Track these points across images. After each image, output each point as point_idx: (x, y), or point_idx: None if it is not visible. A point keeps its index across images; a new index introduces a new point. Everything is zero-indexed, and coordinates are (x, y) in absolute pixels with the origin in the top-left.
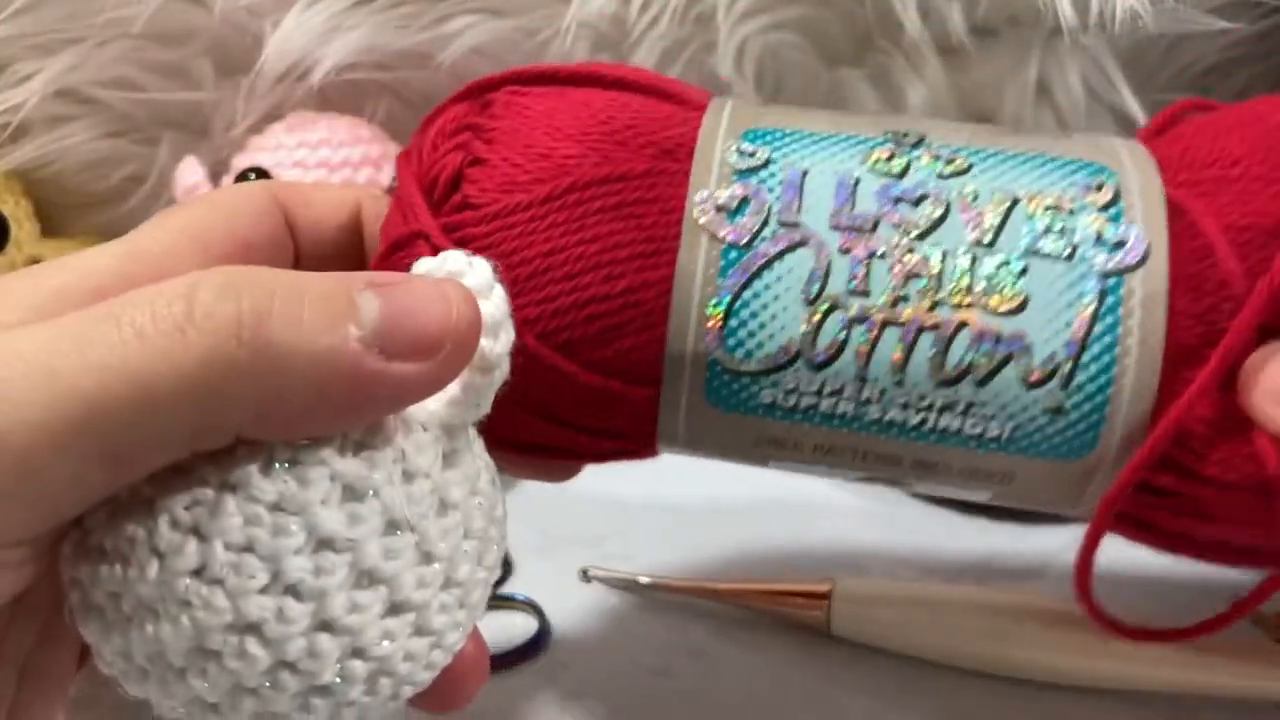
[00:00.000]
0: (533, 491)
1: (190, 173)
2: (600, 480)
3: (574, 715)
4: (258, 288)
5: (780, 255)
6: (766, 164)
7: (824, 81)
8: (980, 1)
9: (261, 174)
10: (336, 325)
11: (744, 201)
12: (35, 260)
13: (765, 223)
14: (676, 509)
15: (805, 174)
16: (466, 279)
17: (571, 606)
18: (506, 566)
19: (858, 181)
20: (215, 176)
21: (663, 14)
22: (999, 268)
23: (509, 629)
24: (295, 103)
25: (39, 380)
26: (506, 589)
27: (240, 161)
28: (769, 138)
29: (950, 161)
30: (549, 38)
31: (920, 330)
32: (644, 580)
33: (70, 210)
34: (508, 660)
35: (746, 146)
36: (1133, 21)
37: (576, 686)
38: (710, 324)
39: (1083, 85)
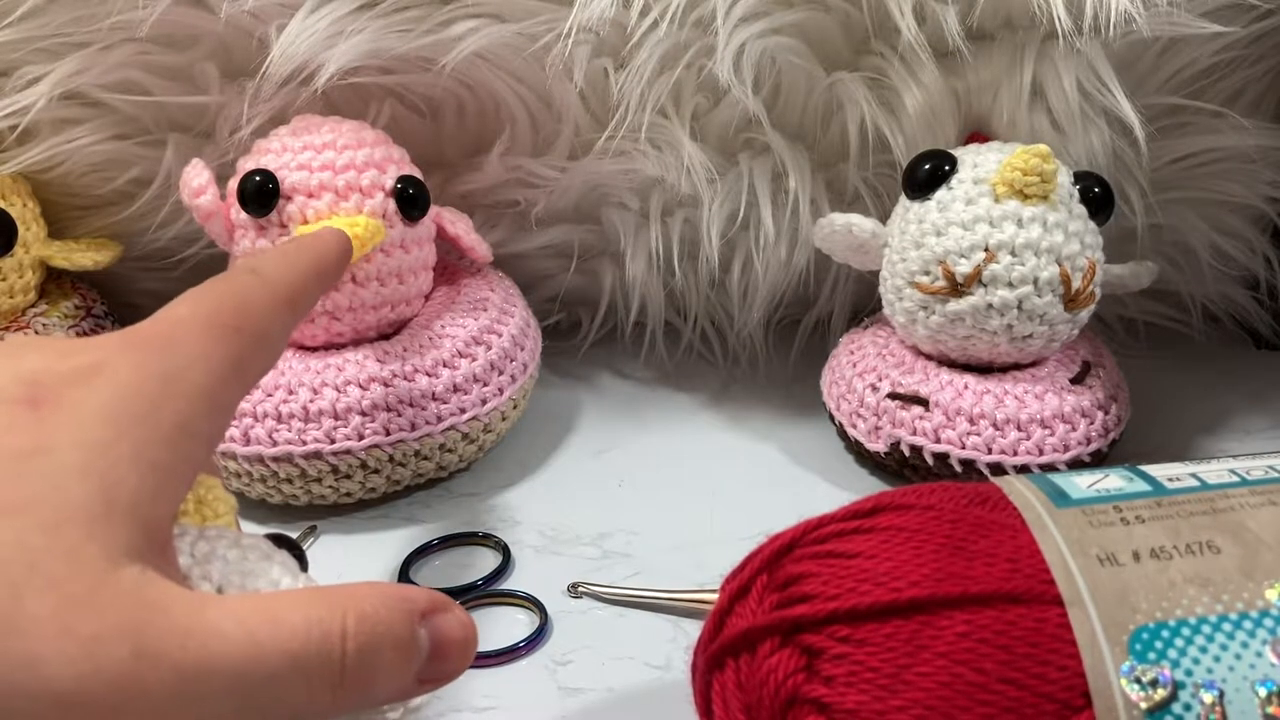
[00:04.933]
0: (534, 488)
1: (196, 175)
2: (603, 477)
3: (574, 711)
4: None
5: None
6: (1175, 695)
7: (821, 85)
8: (975, 5)
9: (266, 176)
10: (406, 672)
11: None
12: (42, 262)
13: None
14: (679, 506)
15: (1222, 696)
16: None
17: (572, 602)
18: (507, 562)
19: None
20: (221, 179)
21: (662, 18)
22: None
23: (510, 624)
24: (300, 106)
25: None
26: (507, 585)
27: (245, 164)
28: (1161, 646)
29: None
30: (551, 42)
31: None
32: (633, 595)
33: (77, 212)
34: (508, 655)
35: (1146, 672)
36: (1126, 25)
37: (576, 681)
38: None
39: (1077, 88)
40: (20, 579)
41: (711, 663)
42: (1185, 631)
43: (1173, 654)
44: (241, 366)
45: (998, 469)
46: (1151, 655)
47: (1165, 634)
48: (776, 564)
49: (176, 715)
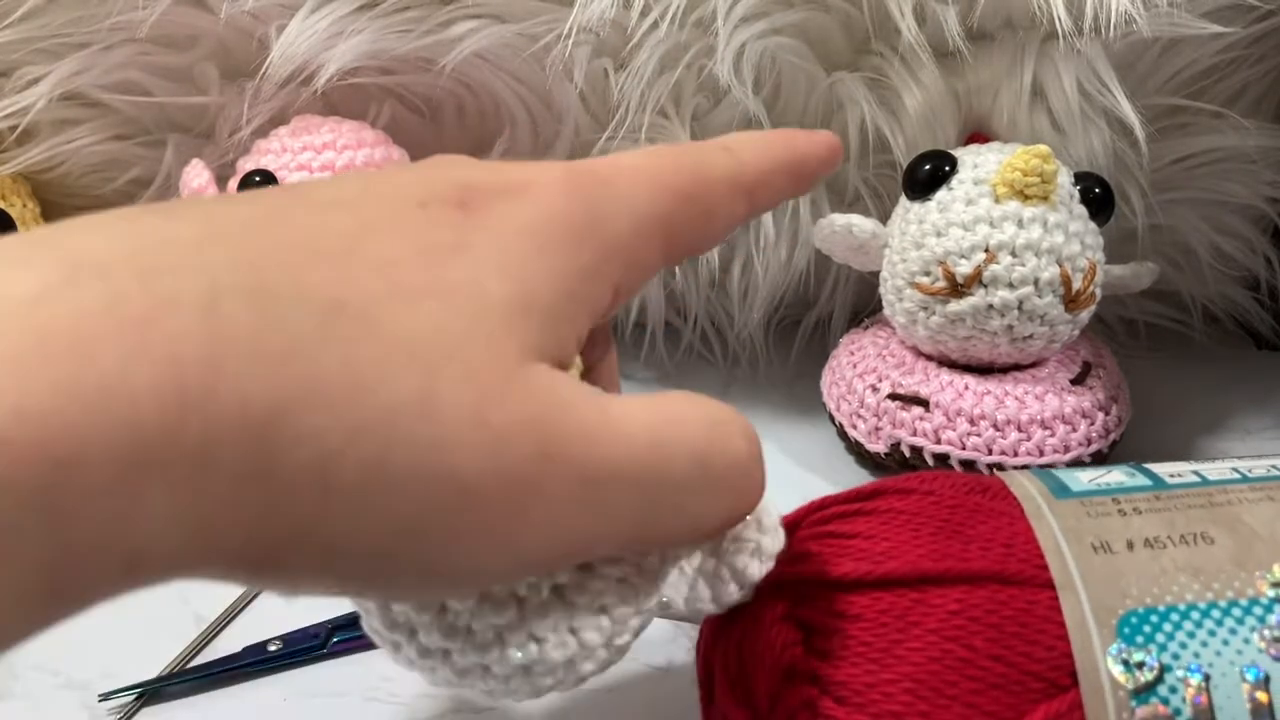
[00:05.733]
0: None
1: (196, 175)
2: None
3: (574, 711)
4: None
5: None
6: (1161, 677)
7: (821, 85)
8: (976, 6)
9: (266, 177)
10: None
11: None
12: None
13: None
14: None
15: (1209, 680)
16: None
17: None
18: None
19: (1268, 679)
20: (221, 180)
21: (663, 19)
22: None
23: None
24: (299, 106)
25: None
26: None
27: (245, 165)
28: (1149, 630)
29: None
30: (551, 43)
31: None
32: None
33: (77, 212)
34: None
35: (1133, 654)
36: (1126, 25)
37: None
38: None
39: (1077, 89)
40: (438, 362)
41: (715, 627)
42: (1174, 617)
43: (1161, 638)
44: (674, 233)
45: (998, 470)
46: (1140, 639)
47: (1154, 619)
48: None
49: (574, 518)
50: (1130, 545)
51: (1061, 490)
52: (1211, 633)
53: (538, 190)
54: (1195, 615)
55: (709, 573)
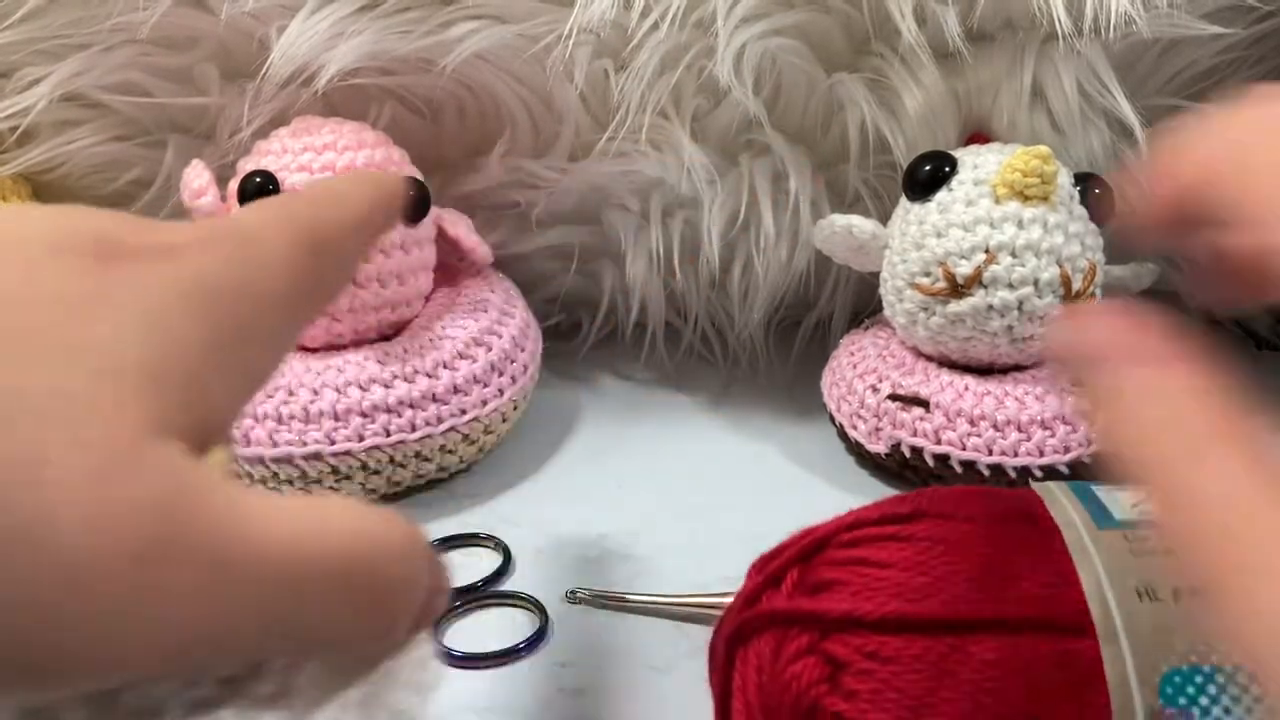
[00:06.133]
0: (535, 489)
1: (197, 176)
2: (603, 478)
3: (575, 713)
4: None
5: None
6: None
7: (821, 86)
8: (976, 6)
9: (267, 177)
10: (428, 607)
11: None
12: None
13: None
14: (679, 507)
15: None
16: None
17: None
18: (508, 563)
19: None
20: (221, 180)
21: (663, 20)
22: None
23: (510, 625)
24: (300, 107)
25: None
26: (507, 585)
27: (245, 165)
28: (1192, 691)
29: None
30: (551, 44)
31: None
32: (631, 599)
33: None
34: (508, 656)
35: (1172, 716)
36: (1126, 26)
37: (577, 683)
38: None
39: (1077, 90)
40: (53, 424)
41: (735, 638)
42: (1219, 679)
43: (1204, 701)
44: (320, 286)
45: (998, 470)
46: (1182, 700)
47: (1199, 679)
48: (808, 561)
49: (194, 608)
50: (1176, 595)
51: (1103, 517)
52: (1258, 699)
53: (184, 252)
54: (1241, 678)
55: (360, 703)
